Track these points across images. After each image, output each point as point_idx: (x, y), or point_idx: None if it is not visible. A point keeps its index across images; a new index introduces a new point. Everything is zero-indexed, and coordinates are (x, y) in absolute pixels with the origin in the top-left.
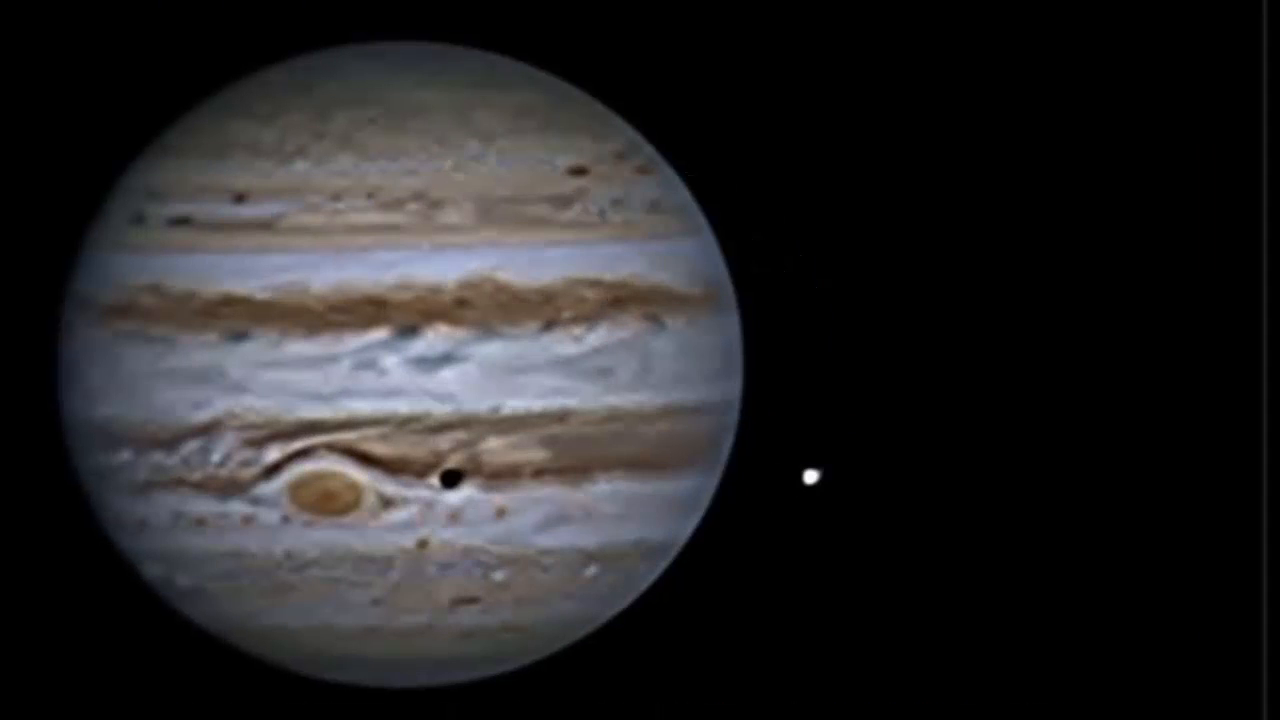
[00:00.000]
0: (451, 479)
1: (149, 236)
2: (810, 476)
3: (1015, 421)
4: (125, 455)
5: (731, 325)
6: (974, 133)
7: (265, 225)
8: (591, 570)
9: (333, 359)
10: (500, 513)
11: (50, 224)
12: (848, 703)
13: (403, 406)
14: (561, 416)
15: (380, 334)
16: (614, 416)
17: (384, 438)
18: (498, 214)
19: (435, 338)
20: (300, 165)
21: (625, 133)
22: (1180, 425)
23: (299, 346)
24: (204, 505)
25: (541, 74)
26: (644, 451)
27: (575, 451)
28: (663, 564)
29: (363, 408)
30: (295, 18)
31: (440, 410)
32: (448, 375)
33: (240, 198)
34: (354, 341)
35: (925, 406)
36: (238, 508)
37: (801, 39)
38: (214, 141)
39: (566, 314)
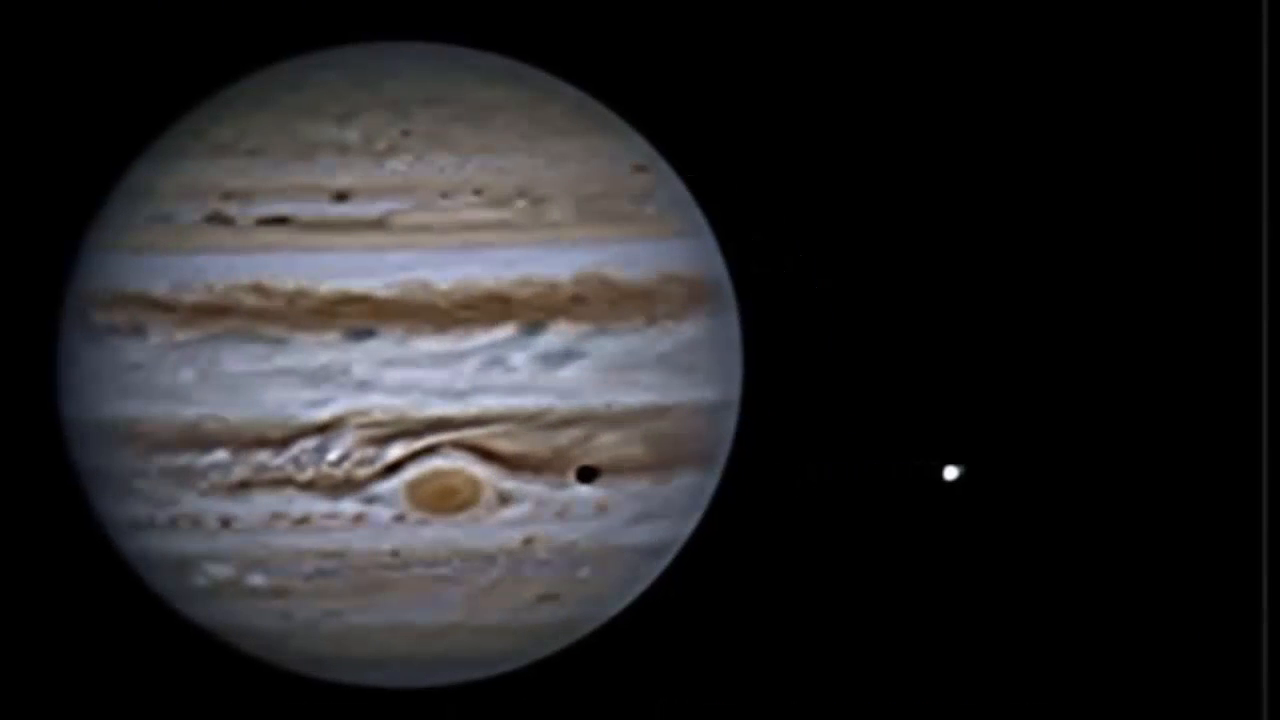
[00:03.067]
0: (588, 475)
1: (238, 237)
2: (950, 473)
3: (1014, 419)
4: (219, 455)
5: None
6: (974, 133)
7: (377, 223)
8: (650, 565)
9: (462, 355)
10: (600, 509)
11: (50, 225)
12: (847, 702)
13: (528, 403)
14: (660, 412)
15: (507, 330)
16: (696, 411)
17: (509, 434)
18: (593, 211)
19: (557, 334)
20: (398, 163)
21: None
22: (1180, 426)
23: (427, 344)
24: (310, 504)
25: (545, 74)
26: (710, 447)
27: (664, 447)
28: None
29: (491, 404)
30: (291, 18)
31: (562, 406)
32: (569, 372)
33: (341, 196)
34: (483, 338)
35: (924, 406)
36: (349, 506)
37: (801, 39)
38: (288, 141)
39: (662, 309)
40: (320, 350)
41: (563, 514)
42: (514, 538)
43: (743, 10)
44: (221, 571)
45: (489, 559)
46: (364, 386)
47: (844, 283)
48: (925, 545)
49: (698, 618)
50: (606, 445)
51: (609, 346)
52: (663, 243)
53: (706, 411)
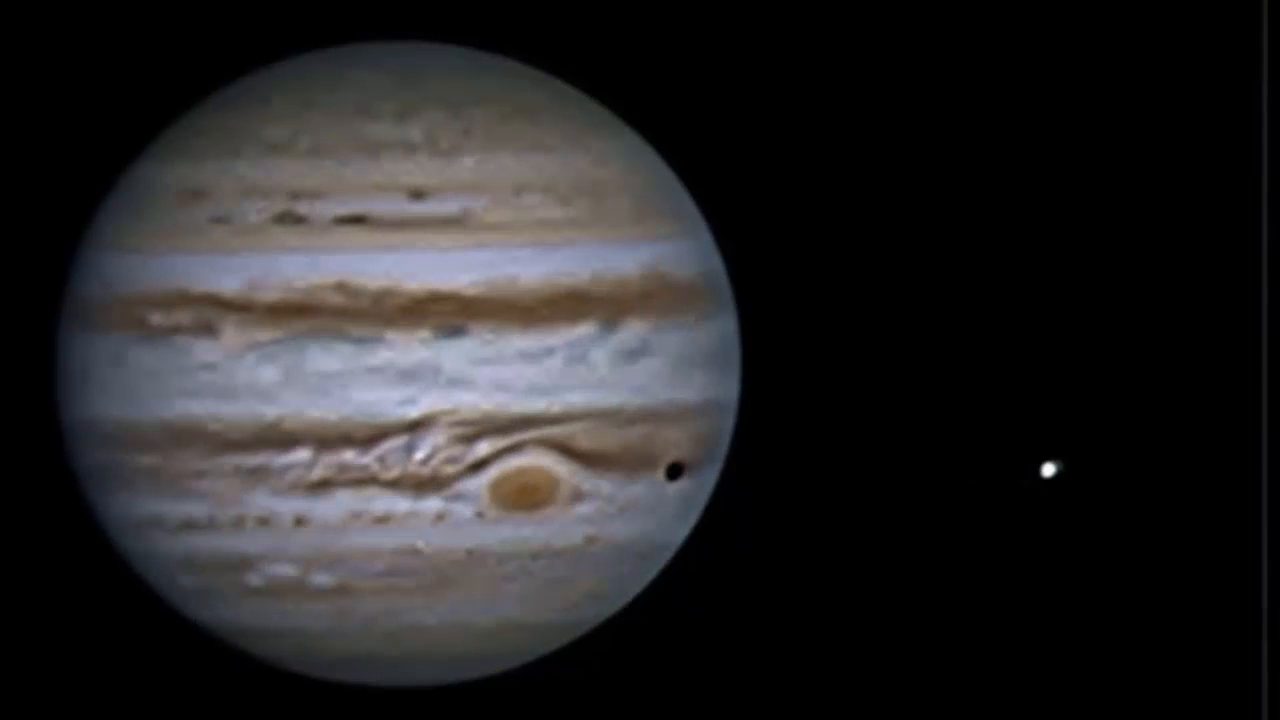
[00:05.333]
0: (675, 471)
1: (315, 236)
2: (1048, 469)
3: (1012, 419)
4: (299, 454)
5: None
6: (974, 133)
7: (455, 221)
8: (665, 560)
9: (548, 352)
10: (654, 508)
11: (52, 225)
12: (845, 702)
13: (607, 399)
14: (706, 409)
15: (588, 328)
16: (725, 409)
17: (588, 431)
18: (646, 208)
19: (630, 331)
20: (467, 161)
21: None
22: (1179, 428)
23: (515, 341)
24: (392, 503)
25: (544, 74)
26: (724, 445)
27: (706, 444)
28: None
29: (574, 401)
30: (291, 18)
31: (635, 403)
32: (641, 368)
33: (417, 194)
34: (567, 335)
35: (924, 407)
36: (432, 505)
37: (801, 39)
38: (350, 140)
39: (708, 307)
40: (411, 348)
41: (624, 512)
42: (579, 535)
43: (742, 11)
44: (283, 571)
45: (555, 557)
46: (454, 384)
47: (844, 283)
48: (922, 545)
49: (696, 618)
50: (670, 442)
51: (672, 343)
52: (699, 240)
53: (730, 410)
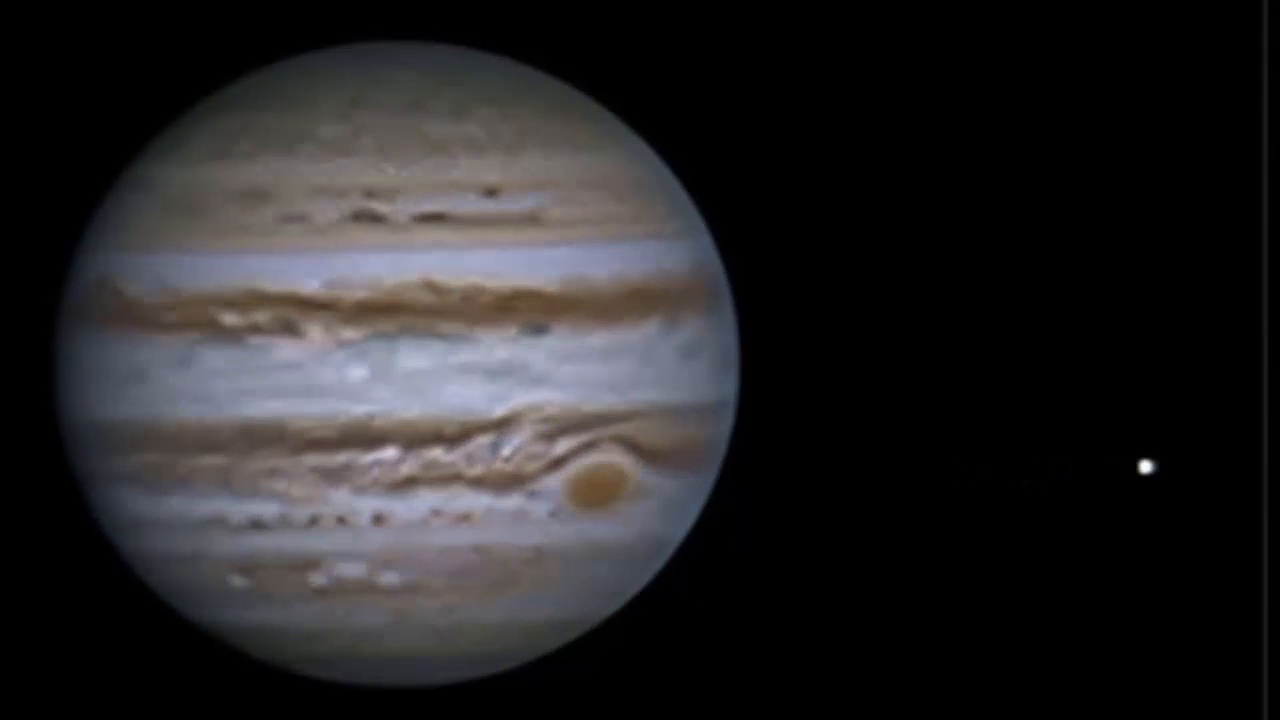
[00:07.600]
0: None
1: (395, 234)
2: (1145, 467)
3: (1011, 420)
4: (387, 452)
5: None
6: (974, 133)
7: (530, 218)
8: (671, 553)
9: (624, 349)
10: (690, 505)
11: (52, 225)
12: (843, 701)
13: (670, 396)
14: (725, 407)
15: (653, 325)
16: (731, 407)
17: (653, 428)
18: (678, 206)
19: (689, 328)
20: (532, 158)
21: None
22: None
23: (595, 338)
24: (475, 500)
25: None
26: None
27: (723, 442)
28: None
29: (643, 398)
30: (291, 18)
31: (691, 400)
32: (699, 365)
33: (492, 192)
34: (638, 332)
35: (923, 407)
36: (513, 502)
37: (801, 39)
38: (413, 138)
39: (727, 305)
40: (500, 346)
41: (667, 509)
42: (630, 533)
43: (742, 11)
44: (351, 570)
45: (607, 554)
46: (541, 381)
47: (844, 283)
48: (921, 545)
49: (696, 618)
50: (714, 439)
51: (716, 341)
52: (707, 240)
53: (731, 409)
